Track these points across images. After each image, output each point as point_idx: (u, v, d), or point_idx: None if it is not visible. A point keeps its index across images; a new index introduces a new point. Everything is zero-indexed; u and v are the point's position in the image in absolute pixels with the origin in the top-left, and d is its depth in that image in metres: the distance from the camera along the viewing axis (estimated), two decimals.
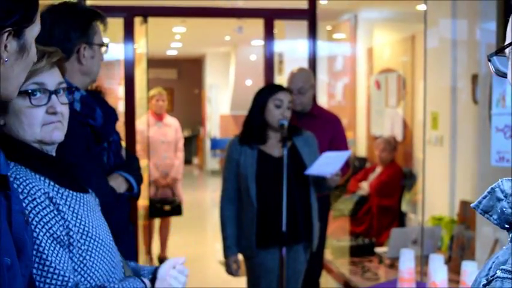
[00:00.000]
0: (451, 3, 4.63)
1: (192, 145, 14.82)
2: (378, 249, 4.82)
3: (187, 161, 12.84)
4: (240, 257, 3.43)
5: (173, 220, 6.56)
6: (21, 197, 1.48)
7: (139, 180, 2.37)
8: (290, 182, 3.16)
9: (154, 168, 6.10)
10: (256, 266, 3.32)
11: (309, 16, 5.17)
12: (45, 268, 1.47)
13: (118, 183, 2.26)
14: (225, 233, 3.38)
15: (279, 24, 5.33)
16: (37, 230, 1.48)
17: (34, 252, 1.47)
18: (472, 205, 1.06)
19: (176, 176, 6.28)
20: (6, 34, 1.11)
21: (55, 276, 1.48)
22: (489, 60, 1.02)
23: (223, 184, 3.41)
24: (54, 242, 1.50)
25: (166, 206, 6.20)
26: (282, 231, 3.12)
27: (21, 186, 1.48)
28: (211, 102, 13.82)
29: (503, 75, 1.00)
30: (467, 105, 4.50)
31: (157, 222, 6.46)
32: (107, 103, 2.37)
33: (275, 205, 3.18)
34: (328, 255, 4.92)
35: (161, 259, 6.26)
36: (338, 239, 5.24)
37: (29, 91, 1.53)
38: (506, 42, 0.99)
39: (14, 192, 1.21)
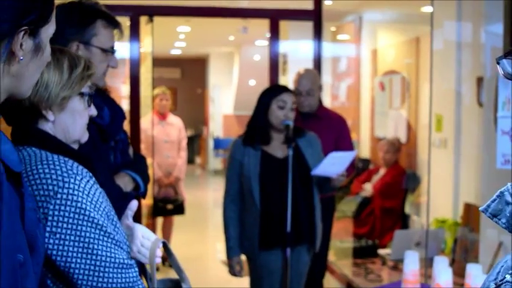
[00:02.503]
0: (456, 6, 4.63)
1: (194, 145, 14.84)
2: (381, 251, 4.82)
3: (190, 161, 12.85)
4: (243, 257, 3.43)
5: (176, 219, 6.58)
6: (78, 177, 1.52)
7: (146, 179, 2.37)
8: (294, 182, 3.16)
9: (157, 167, 6.12)
10: (258, 267, 3.32)
11: (315, 17, 5.18)
12: (110, 240, 1.54)
13: (125, 182, 2.27)
14: (228, 234, 3.37)
15: (282, 25, 5.34)
16: (96, 208, 1.53)
17: (99, 227, 1.52)
18: (480, 208, 1.07)
19: (179, 175, 6.30)
20: (22, 33, 1.12)
21: (118, 249, 1.55)
22: (498, 63, 1.02)
23: (226, 185, 3.41)
24: (107, 218, 1.56)
25: (169, 205, 6.21)
26: (286, 232, 3.13)
27: (74, 167, 1.54)
28: (214, 102, 13.83)
29: None
30: (472, 107, 4.50)
31: (159, 221, 6.47)
32: (114, 102, 2.37)
33: (278, 206, 3.18)
34: (331, 256, 4.93)
35: (164, 258, 6.27)
36: (340, 240, 5.25)
37: (87, 94, 1.65)
38: None
39: (26, 190, 1.22)
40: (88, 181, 1.54)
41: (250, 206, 3.27)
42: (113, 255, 1.53)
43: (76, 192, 1.50)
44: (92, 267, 1.51)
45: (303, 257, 3.36)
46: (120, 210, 2.01)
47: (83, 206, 1.50)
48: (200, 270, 6.13)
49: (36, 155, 1.56)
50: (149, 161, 5.74)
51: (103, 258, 1.52)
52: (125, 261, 1.56)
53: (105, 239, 1.53)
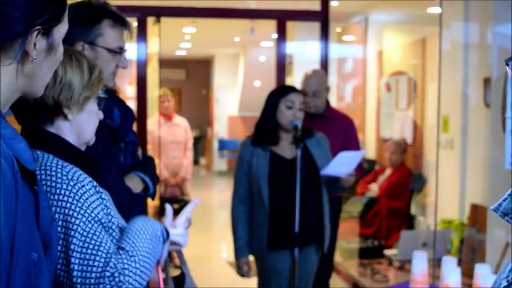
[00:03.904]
0: (464, 6, 4.63)
1: (199, 146, 14.84)
2: (388, 252, 4.82)
3: (195, 162, 12.84)
4: (251, 258, 3.43)
5: None
6: (71, 183, 1.53)
7: (155, 180, 2.37)
8: (303, 183, 3.16)
9: (164, 167, 6.13)
10: (267, 268, 3.32)
11: (322, 18, 5.18)
12: (89, 251, 1.51)
13: (134, 183, 2.27)
14: (236, 235, 3.37)
15: (288, 26, 5.35)
16: (86, 215, 1.53)
17: (81, 238, 1.51)
18: (491, 207, 1.08)
19: (185, 176, 6.31)
20: (35, 32, 1.13)
21: (98, 258, 1.51)
22: (507, 64, 1.02)
23: (235, 185, 3.41)
24: (101, 226, 1.55)
25: (175, 205, 6.22)
26: (294, 232, 3.13)
27: (71, 173, 1.55)
28: (219, 103, 13.84)
29: None
30: (478, 108, 4.50)
31: None
32: (124, 103, 2.37)
33: (287, 207, 3.18)
34: (337, 257, 4.93)
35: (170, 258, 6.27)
36: (347, 241, 5.25)
37: (101, 96, 1.70)
38: None
39: (41, 188, 1.22)
40: (83, 186, 1.54)
41: (259, 206, 3.27)
42: (89, 268, 1.51)
43: (65, 199, 1.51)
44: (69, 281, 1.51)
45: (311, 257, 3.36)
46: (130, 211, 2.02)
47: (70, 212, 1.51)
48: (205, 270, 6.14)
49: (39, 158, 1.56)
50: (156, 161, 5.75)
51: (78, 274, 1.50)
52: (102, 274, 1.51)
53: (83, 250, 1.51)
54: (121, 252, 1.57)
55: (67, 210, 1.50)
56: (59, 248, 1.50)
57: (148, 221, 1.69)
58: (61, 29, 1.22)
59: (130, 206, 2.10)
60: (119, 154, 2.28)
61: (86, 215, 1.52)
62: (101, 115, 1.73)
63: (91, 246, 1.51)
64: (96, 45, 2.15)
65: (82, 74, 1.63)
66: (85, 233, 1.52)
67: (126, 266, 1.54)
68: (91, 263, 1.51)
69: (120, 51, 2.21)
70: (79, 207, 1.52)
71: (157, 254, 1.67)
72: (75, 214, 1.51)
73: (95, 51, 2.14)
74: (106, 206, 1.60)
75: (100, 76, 1.68)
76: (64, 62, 1.61)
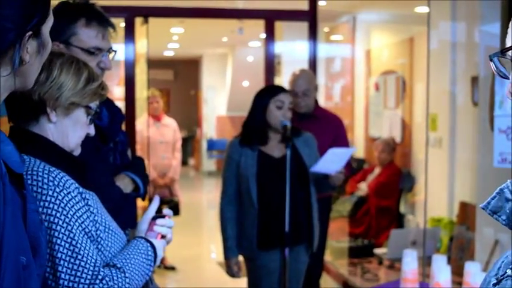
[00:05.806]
0: (451, 6, 4.65)
1: (188, 146, 14.80)
2: (377, 250, 4.83)
3: (183, 162, 12.81)
4: (241, 258, 3.42)
5: None
6: (57, 189, 1.52)
7: (146, 181, 2.36)
8: (292, 182, 3.16)
9: (152, 168, 6.12)
10: (257, 268, 3.31)
11: (310, 17, 5.19)
12: (77, 262, 1.51)
13: (125, 183, 2.25)
14: (225, 235, 3.36)
15: (276, 25, 5.35)
16: (71, 223, 1.52)
17: (67, 246, 1.51)
18: (480, 206, 1.08)
19: (174, 176, 6.30)
20: (27, 38, 1.13)
21: (85, 270, 1.52)
22: (491, 60, 1.03)
23: (223, 185, 3.40)
24: (86, 236, 1.55)
25: (164, 206, 6.20)
26: (284, 232, 3.13)
27: (57, 178, 1.54)
28: (208, 103, 13.83)
29: (505, 76, 1.01)
30: (466, 107, 4.53)
31: None
32: (113, 103, 2.35)
33: (276, 206, 3.18)
34: (327, 256, 4.94)
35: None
36: (337, 240, 5.26)
37: (93, 110, 1.68)
38: (508, 45, 1.00)
39: (29, 192, 1.22)
40: (69, 193, 1.53)
41: (248, 206, 3.27)
42: (77, 279, 1.51)
43: (51, 205, 1.51)
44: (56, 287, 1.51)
45: (302, 256, 3.36)
46: (121, 212, 2.01)
47: (55, 220, 1.50)
48: (195, 271, 6.11)
49: (26, 163, 1.55)
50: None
51: (65, 283, 1.50)
52: (91, 287, 1.52)
53: (71, 260, 1.51)
54: (112, 270, 1.59)
55: (52, 218, 1.50)
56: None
57: (140, 242, 1.71)
58: (48, 24, 1.22)
59: (122, 206, 2.09)
60: (109, 154, 2.26)
61: (71, 223, 1.52)
62: (92, 131, 1.70)
63: (79, 257, 1.51)
64: (70, 44, 2.09)
65: (76, 81, 1.63)
66: (74, 242, 1.52)
67: (116, 281, 1.56)
68: (78, 274, 1.51)
69: (97, 51, 2.13)
70: (64, 215, 1.51)
71: (148, 273, 1.69)
72: (60, 222, 1.51)
73: (70, 50, 2.07)
74: (92, 212, 1.59)
75: (99, 90, 1.68)
76: (63, 65, 1.63)
